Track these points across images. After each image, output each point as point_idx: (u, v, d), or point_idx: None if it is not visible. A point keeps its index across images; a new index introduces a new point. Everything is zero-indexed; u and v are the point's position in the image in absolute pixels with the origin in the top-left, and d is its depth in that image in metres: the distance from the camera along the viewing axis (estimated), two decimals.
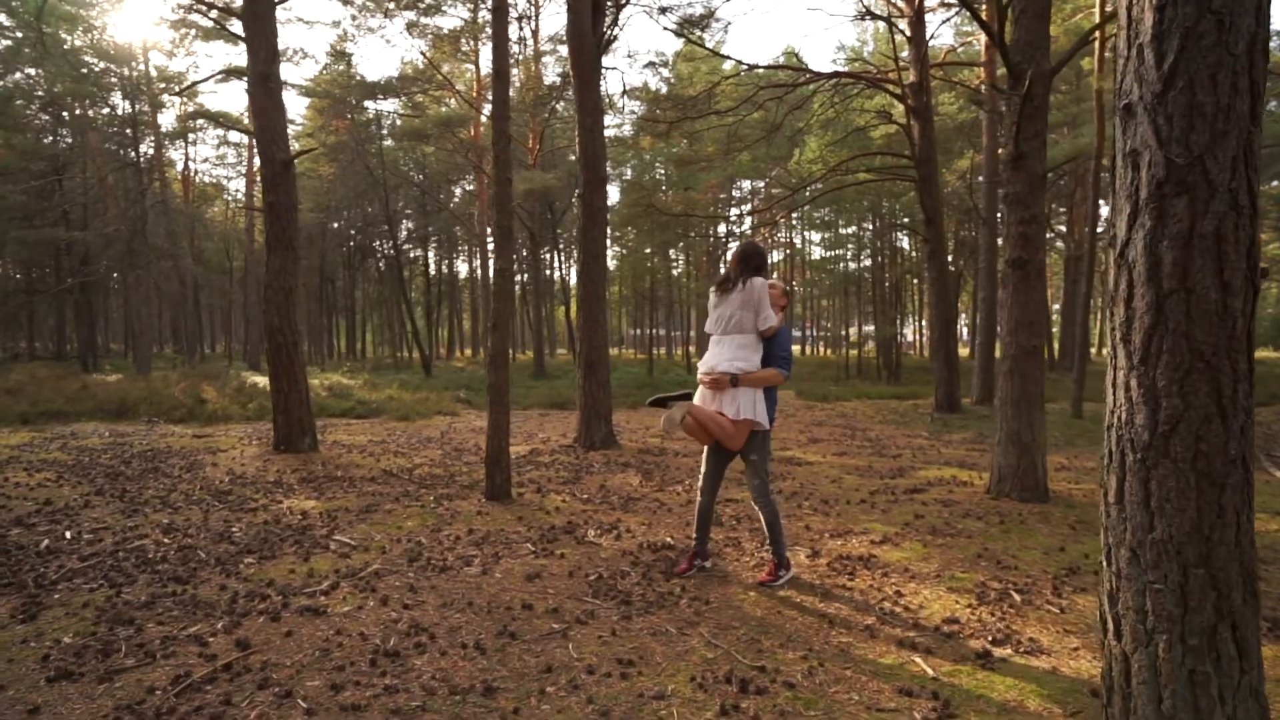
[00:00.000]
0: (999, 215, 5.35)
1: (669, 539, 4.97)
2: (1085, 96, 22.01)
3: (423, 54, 21.15)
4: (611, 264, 44.03)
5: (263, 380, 19.02)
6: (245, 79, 7.74)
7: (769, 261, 4.34)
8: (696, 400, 4.06)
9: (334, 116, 23.29)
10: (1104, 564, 1.96)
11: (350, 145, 21.91)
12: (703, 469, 4.20)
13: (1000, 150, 16.26)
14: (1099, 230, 13.00)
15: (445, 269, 43.41)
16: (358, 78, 23.20)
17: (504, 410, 5.86)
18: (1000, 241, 5.78)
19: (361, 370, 23.88)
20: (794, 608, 3.68)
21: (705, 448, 4.20)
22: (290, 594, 3.86)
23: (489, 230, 26.15)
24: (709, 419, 3.87)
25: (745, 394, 3.90)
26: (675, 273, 39.66)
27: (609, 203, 34.63)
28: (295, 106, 50.14)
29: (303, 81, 24.06)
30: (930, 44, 13.36)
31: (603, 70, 9.31)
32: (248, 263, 28.53)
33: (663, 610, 3.65)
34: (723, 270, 4.21)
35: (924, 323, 41.49)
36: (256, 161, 32.68)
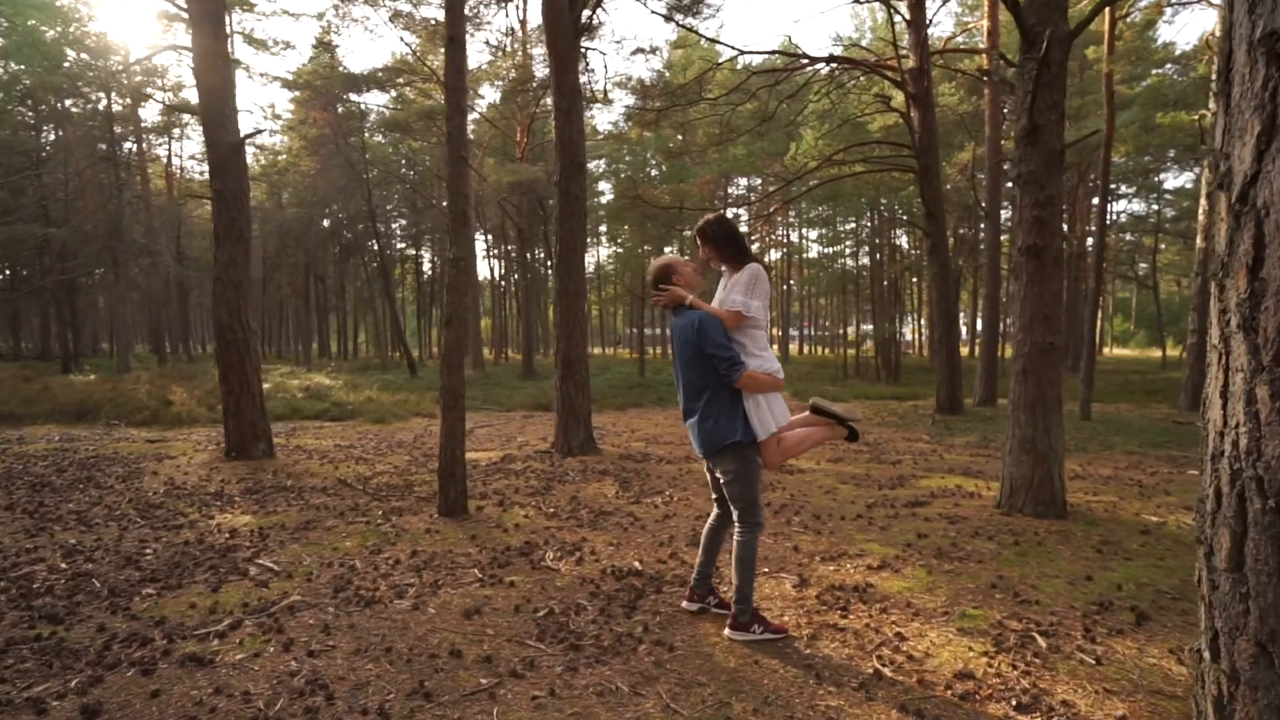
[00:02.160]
0: (1014, 197, 4.73)
1: (637, 563, 4.37)
2: (1089, 89, 21.42)
3: (406, 44, 20.52)
4: (609, 263, 43.51)
5: None
6: (190, 54, 7.12)
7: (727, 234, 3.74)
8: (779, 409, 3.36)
9: (315, 108, 22.62)
10: (1204, 655, 1.36)
11: (331, 138, 21.27)
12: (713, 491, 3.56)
13: (1006, 131, 15.63)
14: (1108, 222, 12.38)
15: (440, 269, 42.81)
16: (342, 68, 22.57)
17: (458, 416, 5.24)
18: (1013, 229, 5.16)
19: (345, 370, 23.27)
20: (775, 655, 3.08)
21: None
22: (179, 636, 3.25)
23: (475, 225, 25.49)
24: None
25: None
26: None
27: (603, 199, 34.16)
28: (279, 99, 49.41)
29: (285, 74, 23.41)
30: (930, 31, 12.76)
31: (582, 50, 8.69)
32: None
33: (617, 659, 3.05)
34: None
35: (923, 322, 40.93)
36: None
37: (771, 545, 4.71)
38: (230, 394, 7.59)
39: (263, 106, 33.88)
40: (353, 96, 22.93)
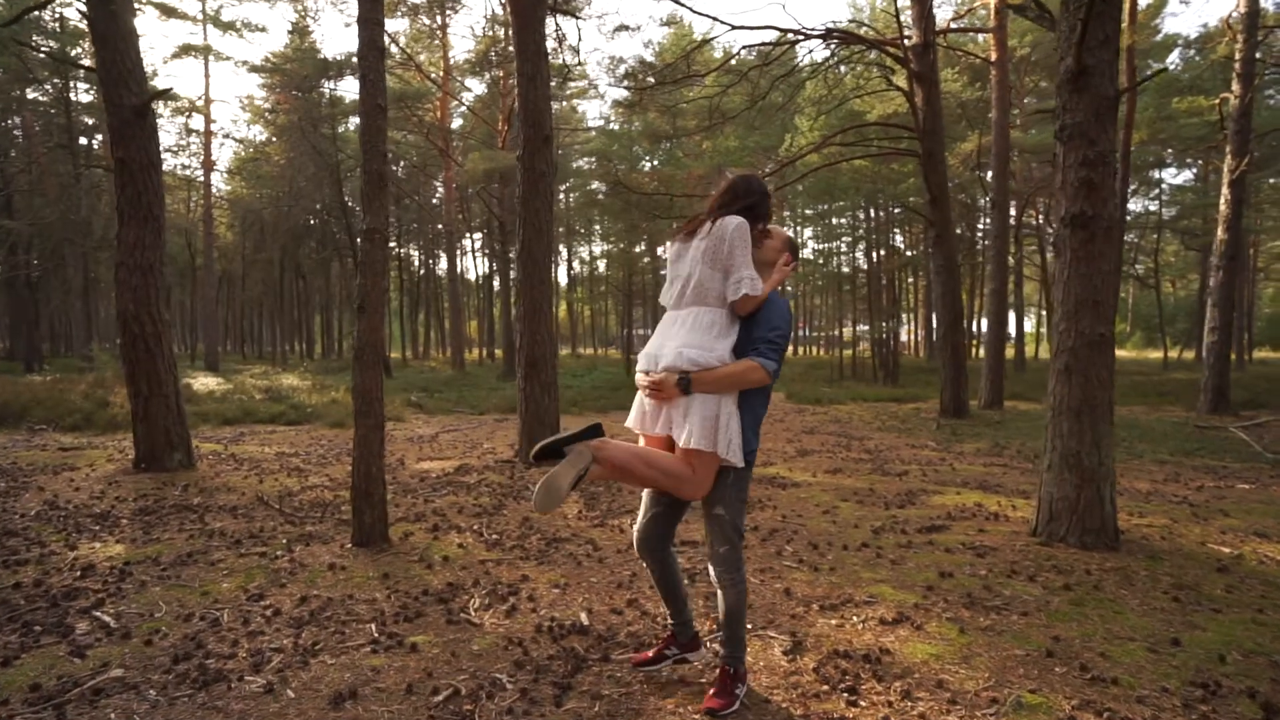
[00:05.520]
0: (1056, 155, 3.77)
1: (584, 615, 3.40)
2: None
3: (388, 34, 19.49)
4: (600, 260, 42.54)
5: (200, 382, 17.38)
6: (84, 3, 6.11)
7: (770, 208, 2.65)
8: (632, 419, 2.50)
9: (286, 93, 21.55)
10: None
11: (299, 125, 20.24)
12: (640, 517, 2.61)
13: (1014, 119, 14.63)
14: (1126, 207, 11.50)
15: (430, 267, 41.73)
16: (320, 54, 21.55)
17: (375, 424, 4.26)
18: (1055, 194, 4.22)
19: (319, 371, 22.22)
20: None
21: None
22: None
23: (457, 220, 24.51)
24: (635, 459, 2.30)
25: (703, 405, 2.32)
26: (665, 272, 38.14)
27: (580, 195, 33.13)
28: (247, 85, 48.15)
29: (256, 60, 22.32)
30: (935, 7, 11.84)
31: (549, 6, 7.73)
32: (207, 258, 26.78)
33: None
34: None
35: (918, 322, 40.09)
36: (215, 148, 30.98)
37: (758, 587, 3.75)
38: (138, 396, 6.59)
39: (240, 98, 32.65)
40: (327, 84, 21.89)
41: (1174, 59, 23.76)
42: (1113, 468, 4.20)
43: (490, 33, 20.66)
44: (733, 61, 13.48)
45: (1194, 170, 31.35)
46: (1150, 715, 2.43)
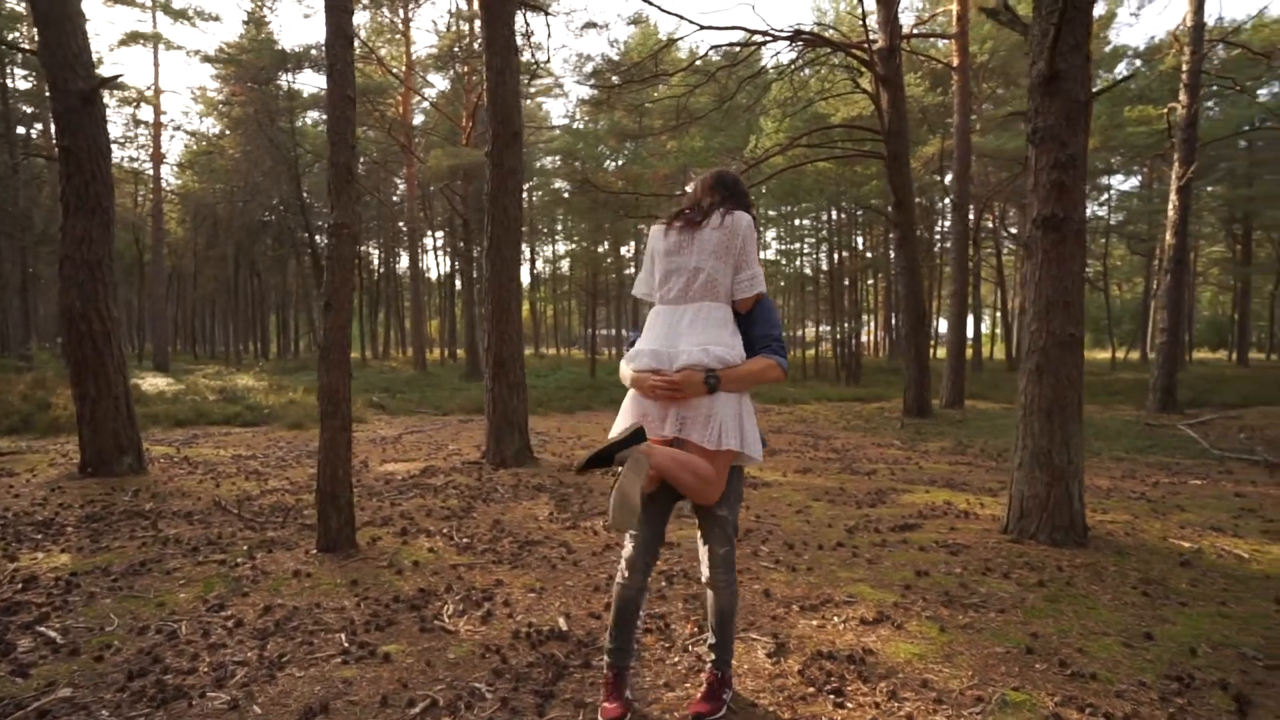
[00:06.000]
0: (1028, 158, 3.82)
1: (562, 620, 3.32)
2: None
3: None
4: (563, 260, 42.29)
5: (150, 383, 16.73)
6: None
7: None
8: (627, 415, 2.37)
9: (239, 83, 20.86)
10: None
11: (256, 118, 19.62)
12: (635, 541, 2.41)
13: (973, 123, 14.96)
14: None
15: (390, 265, 40.92)
16: (277, 46, 20.93)
17: (341, 425, 4.12)
18: (1028, 196, 4.28)
19: (276, 371, 21.61)
20: None
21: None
22: None
23: (419, 217, 24.10)
24: (674, 463, 2.15)
25: (728, 404, 2.24)
26: (629, 272, 38.11)
27: (545, 194, 32.92)
28: (199, 75, 46.70)
29: (210, 50, 21.52)
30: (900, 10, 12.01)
31: (519, 1, 7.61)
32: (156, 254, 25.82)
33: None
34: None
35: (878, 323, 40.79)
36: (165, 140, 29.89)
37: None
38: (84, 398, 6.27)
39: (191, 88, 31.51)
40: (285, 76, 21.29)
41: (1121, 69, 24.59)
42: (1081, 466, 4.29)
43: (455, 27, 20.36)
44: (699, 62, 13.51)
45: (1140, 177, 32.54)
46: (1130, 710, 2.46)
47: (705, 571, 2.44)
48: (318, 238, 23.79)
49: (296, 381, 17.65)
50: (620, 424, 2.38)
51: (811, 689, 2.64)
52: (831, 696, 2.58)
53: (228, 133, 26.08)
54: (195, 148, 28.91)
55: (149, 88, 24.60)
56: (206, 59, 19.67)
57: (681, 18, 11.22)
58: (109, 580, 3.85)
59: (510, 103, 7.24)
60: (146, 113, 26.13)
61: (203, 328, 40.72)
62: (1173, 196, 12.56)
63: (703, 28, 11.33)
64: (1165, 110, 12.97)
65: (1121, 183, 35.84)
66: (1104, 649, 2.94)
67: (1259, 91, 21.79)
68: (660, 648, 3.02)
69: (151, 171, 26.32)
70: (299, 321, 41.16)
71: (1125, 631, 3.11)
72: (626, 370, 2.39)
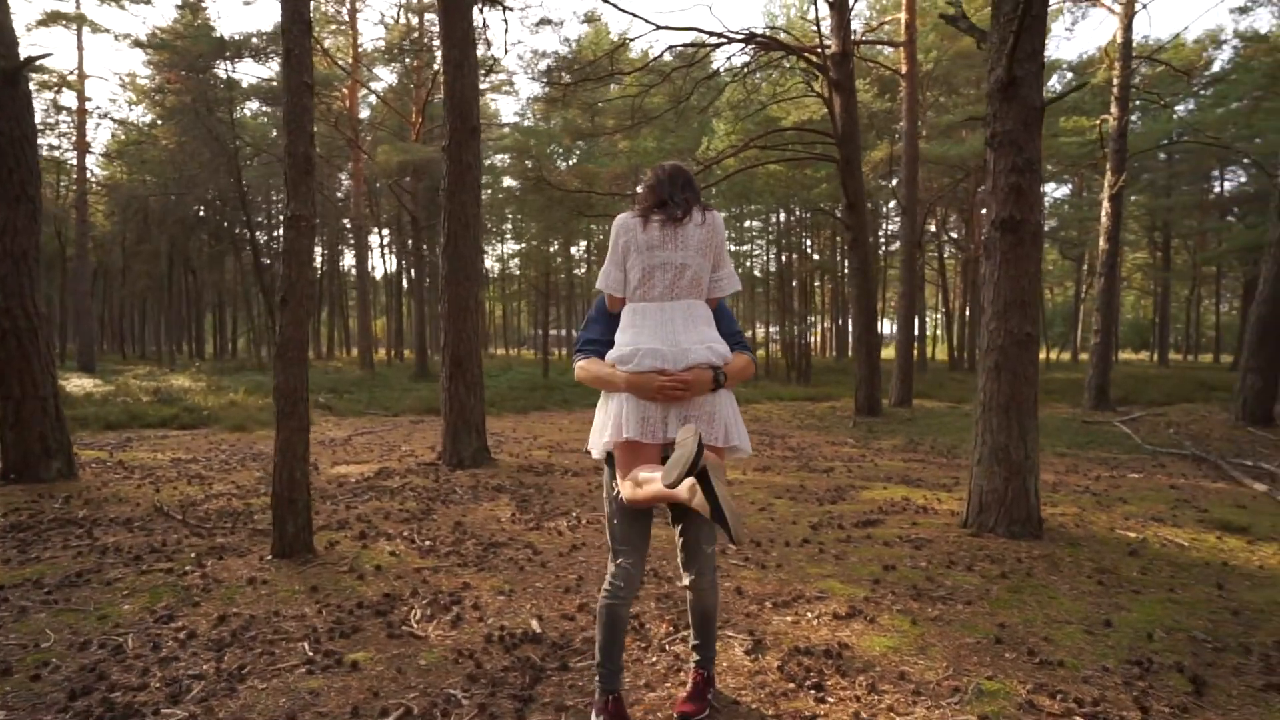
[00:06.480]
0: (987, 162, 3.92)
1: (535, 622, 3.25)
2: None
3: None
4: (512, 259, 41.77)
5: (75, 384, 15.82)
6: None
7: None
8: (633, 429, 2.17)
9: (173, 70, 19.88)
10: None
11: (193, 108, 18.76)
12: (631, 557, 2.30)
13: (920, 128, 15.37)
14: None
15: (334, 263, 39.68)
16: (215, 33, 20.06)
17: (299, 425, 3.95)
18: (986, 199, 4.38)
19: (213, 372, 20.73)
20: None
21: (623, 513, 2.31)
22: None
23: (365, 214, 23.47)
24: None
25: (727, 402, 2.24)
26: (579, 272, 37.91)
27: (502, 193, 32.49)
28: (130, 61, 44.47)
29: (141, 34, 20.45)
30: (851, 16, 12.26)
31: None
32: (80, 248, 24.43)
33: None
34: (648, 194, 2.37)
35: (826, 324, 41.61)
36: (91, 128, 28.32)
37: None
38: (8, 399, 5.87)
39: (120, 75, 29.86)
40: (224, 65, 20.43)
41: (1054, 82, 25.69)
42: (1037, 460, 4.44)
43: (405, 20, 19.89)
44: (654, 62, 13.53)
45: (1070, 185, 34.07)
46: (1098, 695, 2.54)
47: (688, 573, 2.41)
48: (259, 234, 22.90)
49: (237, 382, 16.96)
50: (607, 429, 2.24)
51: (792, 685, 2.65)
52: (813, 692, 2.59)
53: (160, 122, 24.88)
54: (124, 137, 27.51)
55: (72, 72, 23.27)
56: (138, 44, 18.71)
57: (637, 16, 11.21)
58: (42, 593, 3.60)
59: (469, 97, 7.10)
60: (69, 99, 24.77)
61: (131, 327, 38.77)
62: (1105, 204, 13.17)
63: (659, 27, 11.35)
64: (1098, 122, 13.58)
65: (1054, 190, 37.43)
66: (1068, 637, 3.04)
67: (1177, 108, 23.12)
68: (637, 648, 2.99)
69: (75, 161, 24.94)
70: (237, 320, 39.63)
71: (1086, 619, 3.22)
72: (614, 371, 2.21)
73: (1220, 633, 3.10)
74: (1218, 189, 30.43)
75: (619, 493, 2.25)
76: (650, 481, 2.08)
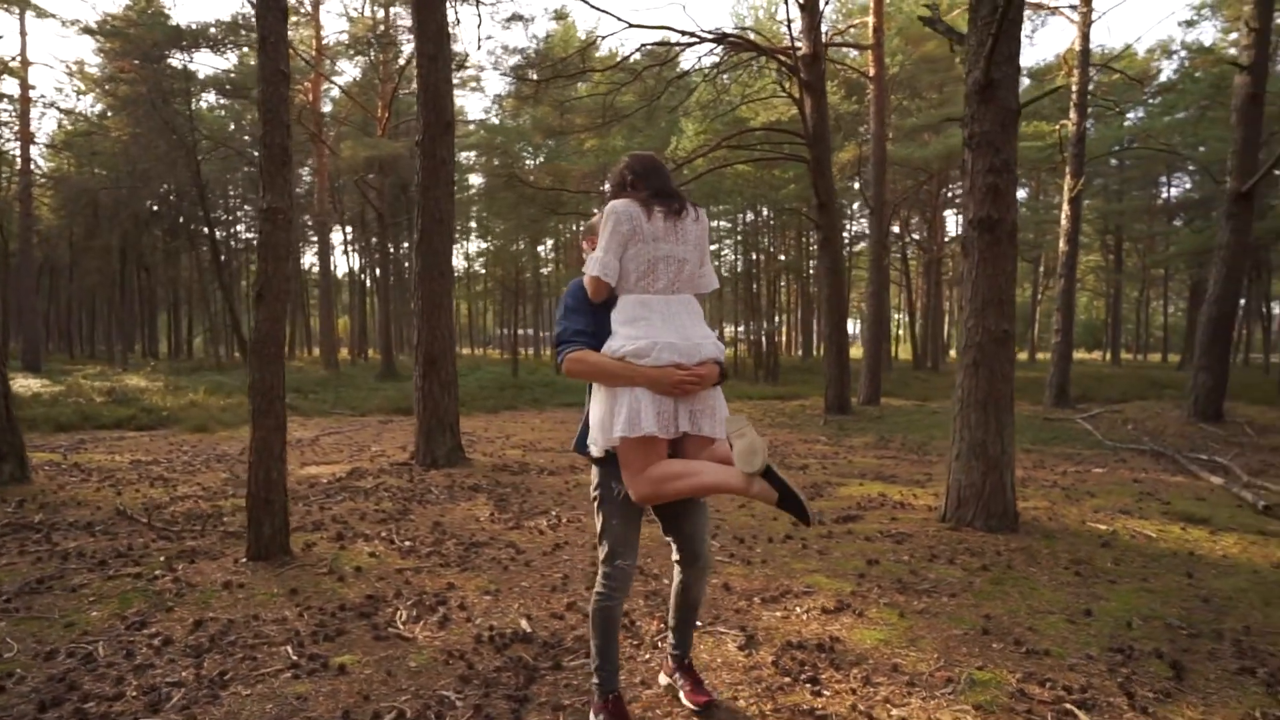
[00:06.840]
0: (964, 163, 3.99)
1: (524, 621, 3.21)
2: (951, 99, 22.45)
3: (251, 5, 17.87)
4: (478, 258, 41.31)
5: (21, 384, 15.17)
6: None
7: None
8: (650, 424, 2.07)
9: (125, 58, 19.15)
10: None
11: (148, 98, 18.11)
12: (616, 545, 2.26)
13: (886, 130, 15.59)
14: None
15: (296, 262, 38.68)
16: (170, 21, 19.42)
17: (275, 424, 3.85)
18: (963, 199, 4.48)
19: (171, 371, 20.07)
20: None
21: (624, 514, 2.27)
22: None
23: (328, 210, 23.01)
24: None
25: (721, 396, 2.26)
26: (546, 271, 37.67)
27: (472, 192, 32.15)
28: (78, 49, 42.87)
29: (91, 21, 19.62)
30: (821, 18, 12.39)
31: None
32: (24, 243, 23.46)
33: None
34: (614, 179, 2.34)
35: (792, 323, 42.06)
36: (35, 118, 27.19)
37: None
38: None
39: (67, 62, 28.66)
40: (180, 56, 19.79)
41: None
42: (1013, 455, 4.54)
43: (370, 14, 19.52)
44: (624, 61, 13.51)
45: (1028, 189, 34.99)
46: (1084, 681, 2.60)
47: (688, 568, 2.39)
48: (217, 230, 22.24)
49: (196, 382, 16.45)
50: (615, 424, 2.14)
51: (787, 679, 2.65)
52: (808, 685, 2.60)
53: (111, 113, 24.00)
54: (72, 127, 26.47)
55: (14, 58, 22.30)
56: (87, 30, 18.01)
57: (608, 14, 11.17)
58: (0, 601, 3.44)
59: (443, 91, 6.99)
60: (10, 86, 23.75)
61: (79, 326, 37.33)
62: (1065, 207, 13.54)
63: (631, 25, 11.33)
64: (1058, 126, 13.96)
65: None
66: (1051, 626, 3.11)
67: (1128, 116, 23.93)
68: (630, 646, 2.97)
69: (18, 152, 23.93)
70: (193, 319, 38.47)
71: (1067, 609, 3.30)
72: (625, 365, 2.10)
73: (1193, 619, 3.21)
74: (1165, 195, 31.57)
75: (620, 492, 2.22)
76: (692, 474, 2.06)
